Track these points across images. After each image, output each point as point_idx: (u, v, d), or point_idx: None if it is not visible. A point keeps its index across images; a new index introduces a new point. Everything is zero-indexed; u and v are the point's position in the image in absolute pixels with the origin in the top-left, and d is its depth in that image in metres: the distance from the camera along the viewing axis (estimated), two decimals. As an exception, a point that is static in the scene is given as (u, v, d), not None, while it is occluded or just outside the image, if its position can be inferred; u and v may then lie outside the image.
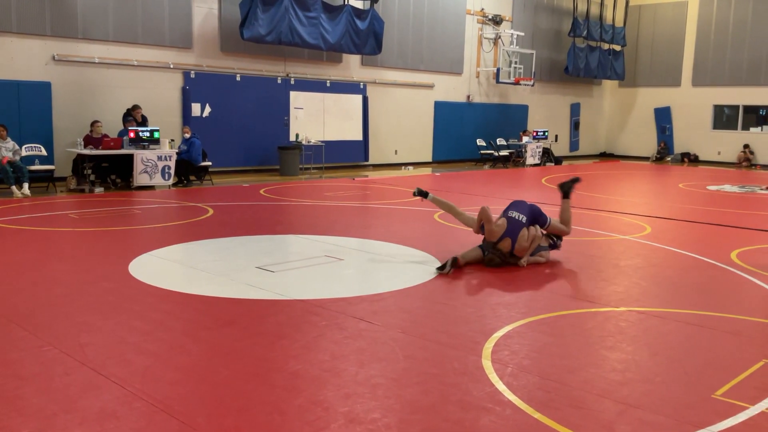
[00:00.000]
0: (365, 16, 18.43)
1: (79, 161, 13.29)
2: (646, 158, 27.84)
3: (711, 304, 6.10)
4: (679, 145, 27.36)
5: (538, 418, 3.65)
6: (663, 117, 27.77)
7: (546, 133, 23.81)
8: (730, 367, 4.51)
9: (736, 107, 26.08)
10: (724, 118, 26.63)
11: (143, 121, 14.42)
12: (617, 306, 5.94)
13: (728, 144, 26.06)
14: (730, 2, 25.62)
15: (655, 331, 5.28)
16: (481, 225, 7.48)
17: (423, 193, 7.98)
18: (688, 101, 26.94)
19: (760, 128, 25.60)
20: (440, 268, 6.96)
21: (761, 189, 16.49)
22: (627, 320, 5.54)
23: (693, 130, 27.00)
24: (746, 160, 25.01)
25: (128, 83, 15.04)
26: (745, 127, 25.95)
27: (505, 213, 7.52)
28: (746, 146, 25.38)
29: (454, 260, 7.03)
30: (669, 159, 27.09)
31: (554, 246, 7.79)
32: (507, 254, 7.30)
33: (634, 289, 6.58)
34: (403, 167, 20.61)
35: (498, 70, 23.30)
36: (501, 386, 4.07)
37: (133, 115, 14.25)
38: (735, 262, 7.84)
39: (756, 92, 25.22)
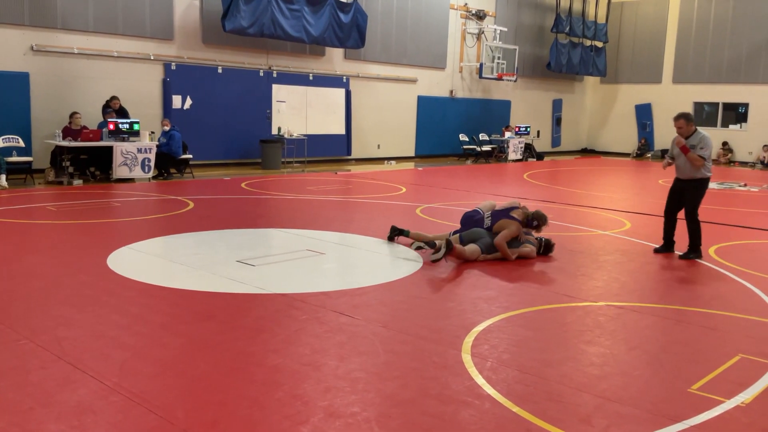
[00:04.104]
0: (348, 10, 18.36)
1: (58, 153, 13.13)
2: (627, 154, 28.05)
3: (689, 299, 6.17)
4: (660, 142, 27.57)
5: (516, 412, 3.67)
6: (644, 114, 27.99)
7: (528, 129, 23.94)
8: (707, 361, 4.56)
9: (716, 104, 26.34)
10: (704, 115, 26.86)
11: (123, 112, 14.26)
12: (596, 301, 5.99)
13: (708, 141, 26.26)
14: (710, 0, 25.84)
15: (633, 326, 5.33)
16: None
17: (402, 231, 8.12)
18: (669, 98, 27.13)
19: (739, 125, 25.87)
20: (435, 257, 7.03)
21: (740, 185, 16.69)
22: (605, 315, 5.58)
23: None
24: (725, 156, 25.28)
25: (108, 74, 14.86)
26: (725, 125, 26.22)
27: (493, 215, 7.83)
28: (725, 144, 25.63)
29: (449, 245, 7.04)
30: (649, 155, 27.31)
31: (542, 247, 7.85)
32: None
33: (613, 284, 6.63)
34: (385, 162, 20.60)
35: (481, 65, 23.34)
36: (480, 380, 4.08)
37: (111, 105, 14.09)
38: (713, 258, 7.93)
39: (735, 90, 25.48)
